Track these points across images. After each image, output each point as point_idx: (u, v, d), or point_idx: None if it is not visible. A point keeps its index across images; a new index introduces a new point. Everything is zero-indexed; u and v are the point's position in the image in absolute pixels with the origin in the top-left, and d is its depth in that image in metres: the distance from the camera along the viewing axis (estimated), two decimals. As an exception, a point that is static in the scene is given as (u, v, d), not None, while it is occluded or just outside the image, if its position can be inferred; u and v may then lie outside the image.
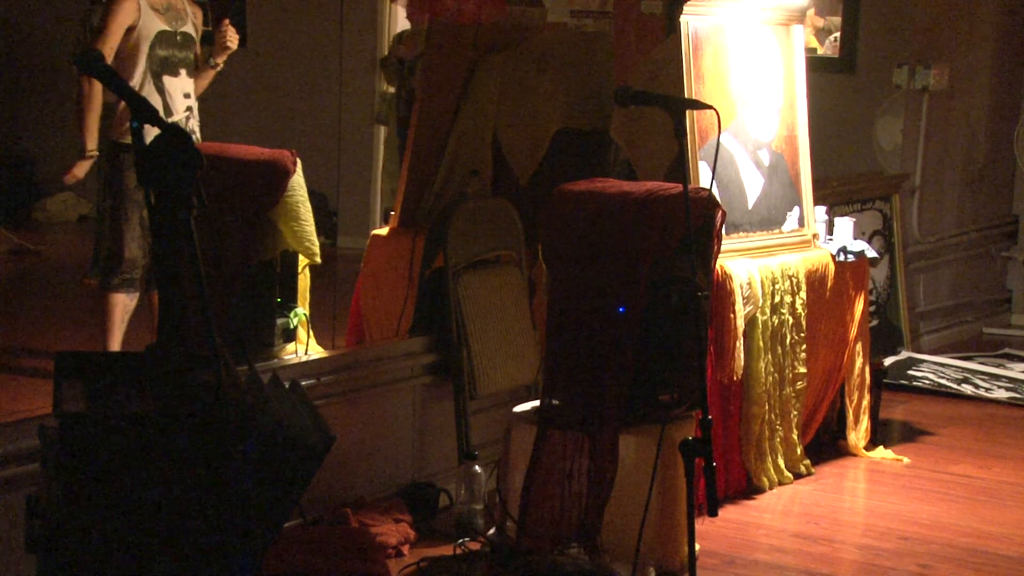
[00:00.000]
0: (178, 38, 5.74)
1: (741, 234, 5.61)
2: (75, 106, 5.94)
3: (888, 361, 7.02)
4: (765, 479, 5.65)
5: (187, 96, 5.73)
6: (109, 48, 5.55)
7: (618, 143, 5.87)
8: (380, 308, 5.97)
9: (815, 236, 5.97)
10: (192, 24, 5.82)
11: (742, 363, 5.46)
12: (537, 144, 6.12)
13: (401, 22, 9.02)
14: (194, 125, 5.77)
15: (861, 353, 6.16)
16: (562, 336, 4.75)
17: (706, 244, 4.83)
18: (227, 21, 5.86)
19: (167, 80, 5.65)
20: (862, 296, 6.13)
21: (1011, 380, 7.57)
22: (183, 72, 5.72)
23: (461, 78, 6.15)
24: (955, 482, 5.89)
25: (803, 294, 5.73)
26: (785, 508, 5.52)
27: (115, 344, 5.62)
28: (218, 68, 5.89)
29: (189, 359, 3.26)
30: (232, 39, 5.86)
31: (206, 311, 2.91)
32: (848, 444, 6.17)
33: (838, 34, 8.38)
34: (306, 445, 3.52)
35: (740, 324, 5.41)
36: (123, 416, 3.06)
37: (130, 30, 5.60)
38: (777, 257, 5.70)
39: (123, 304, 5.66)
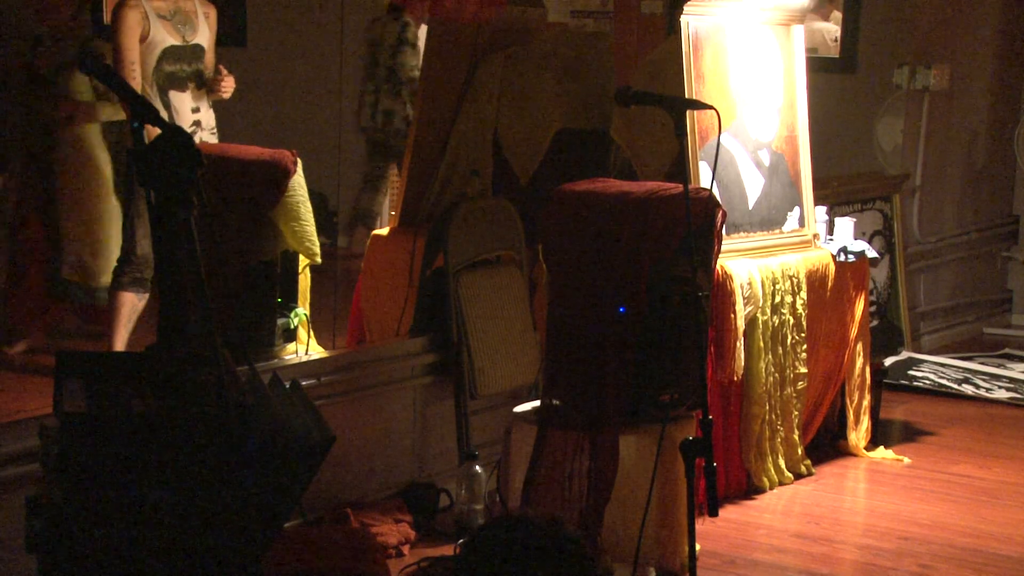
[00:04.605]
0: (187, 51, 5.59)
1: (741, 234, 5.60)
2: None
3: (888, 361, 7.02)
4: (765, 479, 5.65)
5: (195, 111, 5.61)
6: (129, 63, 5.41)
7: (618, 143, 5.87)
8: (380, 308, 5.96)
9: (815, 236, 5.97)
10: (205, 28, 5.67)
11: (742, 363, 5.46)
12: (537, 144, 6.12)
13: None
14: (206, 138, 5.64)
15: (861, 353, 6.15)
16: (562, 336, 4.75)
17: (706, 244, 4.83)
18: (224, 70, 5.65)
19: (173, 95, 5.54)
20: (862, 296, 6.12)
21: (1011, 380, 7.56)
22: (191, 86, 5.59)
23: (461, 78, 6.15)
24: (955, 482, 5.89)
25: (803, 294, 5.73)
26: (785, 508, 5.52)
27: (120, 343, 5.61)
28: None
29: (189, 359, 3.26)
30: (226, 89, 5.66)
31: (206, 311, 2.91)
32: (848, 444, 6.17)
33: (838, 34, 8.38)
34: (306, 445, 3.52)
35: (740, 324, 5.41)
36: (123, 416, 3.06)
37: (139, 40, 5.49)
38: (777, 257, 5.70)
39: (131, 303, 5.64)
